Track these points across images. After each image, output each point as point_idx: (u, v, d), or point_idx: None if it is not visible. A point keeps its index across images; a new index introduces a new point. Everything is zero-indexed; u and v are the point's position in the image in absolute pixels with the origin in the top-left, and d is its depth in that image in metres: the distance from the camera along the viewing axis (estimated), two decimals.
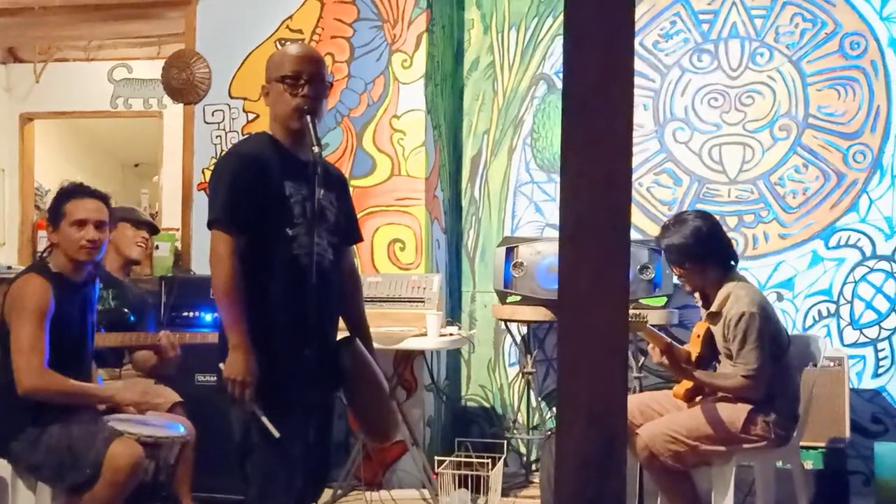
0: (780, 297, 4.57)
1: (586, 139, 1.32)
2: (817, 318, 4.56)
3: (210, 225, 2.50)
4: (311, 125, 2.49)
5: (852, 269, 4.53)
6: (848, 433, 4.01)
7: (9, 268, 4.82)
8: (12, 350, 2.92)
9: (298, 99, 2.52)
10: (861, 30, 4.55)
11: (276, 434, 2.40)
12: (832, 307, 4.54)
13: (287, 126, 2.55)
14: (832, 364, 4.03)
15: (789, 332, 3.62)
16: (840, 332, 4.53)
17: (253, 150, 2.55)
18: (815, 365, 3.52)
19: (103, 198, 3.18)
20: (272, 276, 2.48)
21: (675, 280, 3.69)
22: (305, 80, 2.54)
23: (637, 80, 4.53)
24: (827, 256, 4.56)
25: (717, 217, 3.61)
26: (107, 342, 3.54)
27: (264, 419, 2.42)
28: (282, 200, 2.48)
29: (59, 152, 8.21)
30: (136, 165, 8.86)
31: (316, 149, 2.45)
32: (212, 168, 4.77)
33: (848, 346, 4.49)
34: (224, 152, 2.67)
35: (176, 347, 3.59)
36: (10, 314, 2.96)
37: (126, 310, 3.73)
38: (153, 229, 4.15)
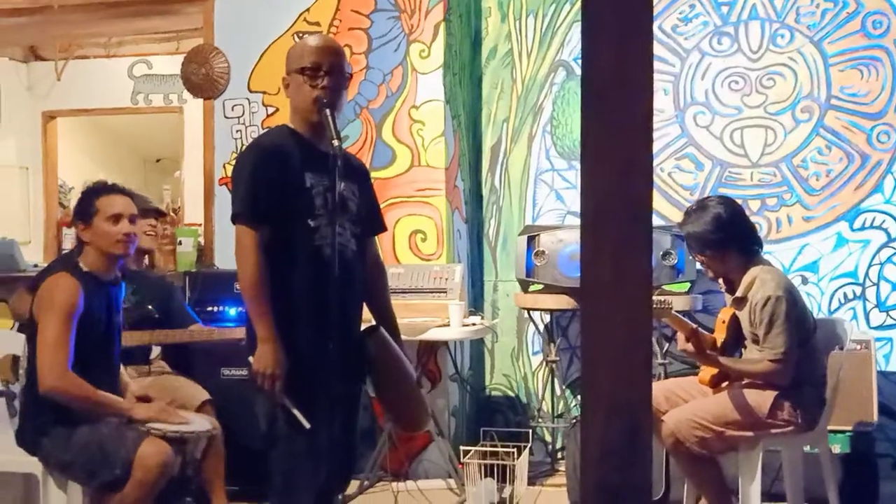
0: (804, 281, 4.53)
1: (605, 126, 1.32)
2: (843, 301, 4.52)
3: (234, 219, 2.52)
4: (330, 118, 2.50)
5: (878, 251, 4.49)
6: (876, 416, 3.97)
7: (35, 265, 4.87)
8: (38, 348, 2.95)
9: (318, 91, 2.53)
10: (883, 8, 4.49)
11: (307, 425, 2.42)
12: (858, 290, 4.50)
13: (307, 118, 2.56)
14: (859, 347, 3.99)
15: (815, 316, 3.59)
16: (866, 315, 4.49)
17: (273, 143, 2.57)
18: (842, 348, 3.49)
19: (130, 194, 3.22)
20: (295, 267, 2.50)
21: (699, 266, 3.67)
22: (325, 71, 2.55)
23: (656, 65, 4.52)
24: (852, 238, 4.51)
25: (740, 201, 3.58)
26: (134, 341, 3.56)
27: (294, 410, 2.44)
28: (303, 192, 2.50)
29: (81, 149, 8.28)
30: (158, 161, 8.91)
31: (336, 142, 2.46)
32: (233, 162, 4.80)
33: (874, 328, 4.45)
34: (245, 146, 2.68)
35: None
36: (39, 312, 2.99)
37: (149, 306, 3.75)
38: (159, 214, 4.17)
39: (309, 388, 2.47)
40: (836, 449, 3.86)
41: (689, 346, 3.25)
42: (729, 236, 3.31)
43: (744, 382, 3.31)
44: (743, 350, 3.40)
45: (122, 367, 3.31)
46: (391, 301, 2.84)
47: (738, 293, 3.31)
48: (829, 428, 3.53)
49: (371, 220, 2.75)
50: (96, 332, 3.06)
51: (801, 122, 4.58)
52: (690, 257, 4.12)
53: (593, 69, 1.33)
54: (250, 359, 2.45)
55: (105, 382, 3.08)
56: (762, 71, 4.63)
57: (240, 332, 3.61)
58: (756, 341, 3.26)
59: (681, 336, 3.28)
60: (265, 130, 3.01)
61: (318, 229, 2.50)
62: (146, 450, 2.89)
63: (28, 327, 3.05)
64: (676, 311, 3.49)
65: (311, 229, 2.50)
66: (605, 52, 1.33)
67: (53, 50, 7.38)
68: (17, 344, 3.25)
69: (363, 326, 2.73)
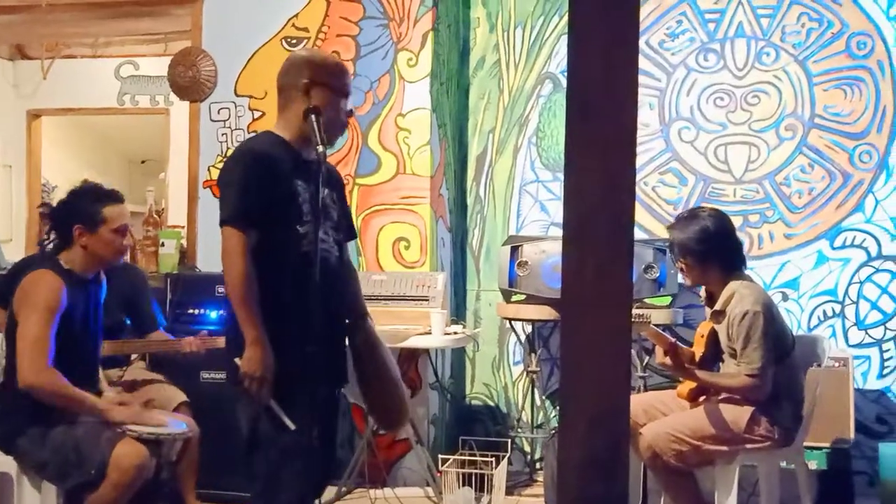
0: (785, 297, 4.56)
1: (589, 139, 1.33)
2: (822, 319, 4.55)
3: (223, 223, 2.52)
4: (315, 123, 2.51)
5: (858, 270, 4.52)
6: (853, 434, 4.00)
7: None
8: (17, 344, 2.93)
9: (343, 114, 2.63)
10: (868, 29, 4.54)
11: (293, 427, 2.43)
12: (837, 307, 4.54)
13: (300, 130, 2.57)
14: (837, 364, 4.02)
15: (794, 332, 3.62)
16: (845, 333, 4.52)
17: (264, 149, 2.57)
18: (820, 365, 3.52)
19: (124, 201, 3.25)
20: (283, 272, 2.51)
21: (680, 278, 3.69)
22: (347, 93, 2.65)
23: (643, 80, 4.56)
24: (832, 256, 4.55)
25: None
26: (105, 351, 3.50)
27: (281, 413, 2.44)
28: (292, 198, 2.51)
29: (66, 149, 8.23)
30: (143, 162, 8.87)
31: (321, 147, 2.47)
32: (219, 166, 4.79)
33: (853, 346, 4.48)
34: (234, 150, 2.68)
35: (199, 351, 3.61)
36: (20, 308, 2.97)
37: (121, 314, 3.68)
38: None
39: (293, 391, 2.47)
40: (813, 465, 3.88)
41: (667, 360, 3.27)
42: (712, 249, 3.33)
43: (721, 397, 3.32)
44: (721, 364, 3.42)
45: (101, 372, 3.29)
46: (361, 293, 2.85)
47: (717, 307, 3.33)
48: (806, 444, 3.56)
49: (346, 228, 2.80)
50: (77, 329, 3.05)
51: (785, 140, 4.62)
52: (673, 271, 4.14)
53: (578, 83, 1.34)
54: (237, 360, 2.45)
55: (85, 380, 3.07)
56: (747, 88, 4.66)
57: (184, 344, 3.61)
58: (734, 356, 3.28)
59: (659, 350, 3.30)
60: (251, 135, 3.00)
61: (306, 235, 2.52)
62: (122, 451, 2.88)
63: (8, 324, 3.03)
64: (657, 325, 3.51)
65: (300, 235, 2.51)
66: (591, 65, 1.34)
67: (40, 49, 7.33)
68: None
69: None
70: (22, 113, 7.46)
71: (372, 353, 2.69)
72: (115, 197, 3.19)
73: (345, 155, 4.62)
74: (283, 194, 2.50)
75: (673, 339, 3.30)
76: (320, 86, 2.59)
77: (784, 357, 3.29)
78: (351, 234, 2.85)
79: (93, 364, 3.19)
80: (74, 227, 3.09)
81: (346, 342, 2.71)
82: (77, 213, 3.13)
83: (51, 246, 3.19)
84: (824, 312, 4.55)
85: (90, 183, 3.31)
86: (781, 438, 3.26)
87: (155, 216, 5.26)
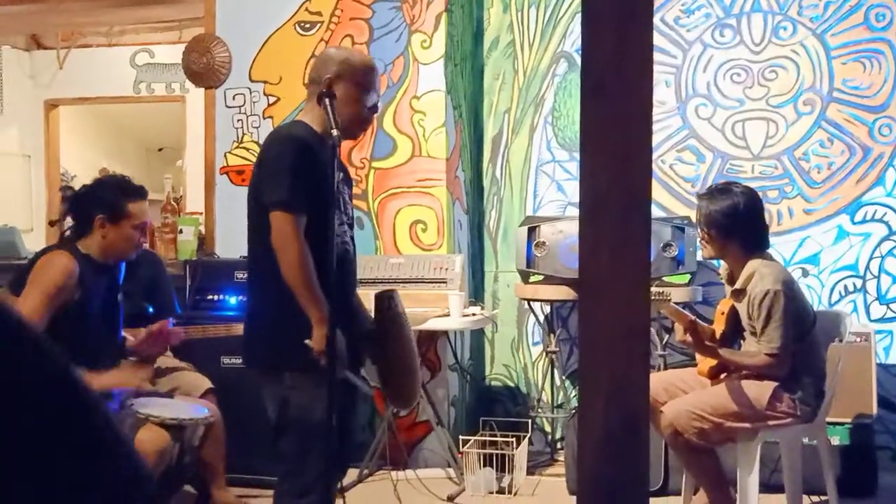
0: (805, 273, 4.53)
1: (604, 118, 1.32)
2: (843, 294, 4.52)
3: (275, 206, 2.51)
4: (330, 108, 2.51)
5: (879, 244, 4.49)
6: (875, 409, 3.98)
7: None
8: None
9: (364, 109, 2.66)
10: (886, 1, 4.48)
11: (370, 391, 2.51)
12: (858, 282, 4.51)
13: (348, 130, 2.62)
14: (859, 339, 4.00)
15: (815, 308, 3.60)
16: (867, 308, 4.49)
17: (304, 137, 2.61)
18: (842, 340, 3.50)
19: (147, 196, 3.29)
20: (316, 258, 2.53)
21: (699, 256, 3.67)
22: (368, 89, 2.68)
23: (658, 57, 4.52)
24: (853, 231, 4.51)
25: None
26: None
27: (356, 380, 2.51)
28: (326, 187, 2.52)
29: (83, 138, 8.27)
30: (160, 150, 8.91)
31: (335, 132, 2.48)
32: (235, 152, 4.80)
33: (875, 321, 4.45)
34: (275, 136, 2.68)
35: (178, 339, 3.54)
36: (28, 284, 2.98)
37: (142, 301, 3.70)
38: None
39: (320, 375, 2.49)
40: (836, 441, 3.87)
41: (688, 338, 3.26)
42: (738, 225, 3.32)
43: (742, 374, 3.31)
44: (742, 341, 3.41)
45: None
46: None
47: (738, 285, 3.31)
48: (829, 420, 3.54)
49: (352, 224, 2.85)
50: (95, 312, 3.07)
51: (803, 115, 4.57)
52: (691, 249, 4.13)
53: (592, 62, 1.34)
54: (308, 342, 2.46)
55: (104, 363, 3.09)
56: (764, 63, 4.62)
57: (227, 329, 3.62)
58: (754, 334, 3.26)
59: (678, 327, 3.29)
60: (287, 122, 3.00)
61: (332, 223, 2.54)
62: (143, 437, 2.90)
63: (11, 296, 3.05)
64: (676, 303, 3.50)
65: (330, 223, 2.52)
66: (605, 43, 1.33)
67: (56, 38, 7.37)
68: None
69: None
70: (39, 103, 7.51)
71: (400, 326, 2.73)
72: (141, 193, 3.22)
73: (360, 139, 4.61)
74: (320, 181, 2.53)
75: (693, 317, 3.29)
76: (341, 80, 2.63)
77: (805, 334, 3.28)
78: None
79: (114, 349, 3.21)
80: (97, 216, 3.10)
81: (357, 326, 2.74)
82: (101, 202, 3.14)
83: (68, 231, 3.20)
84: (845, 287, 4.52)
85: (118, 175, 3.33)
86: (804, 414, 3.25)
87: (173, 203, 5.29)
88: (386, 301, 2.68)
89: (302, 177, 2.52)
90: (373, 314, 2.72)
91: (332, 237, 2.49)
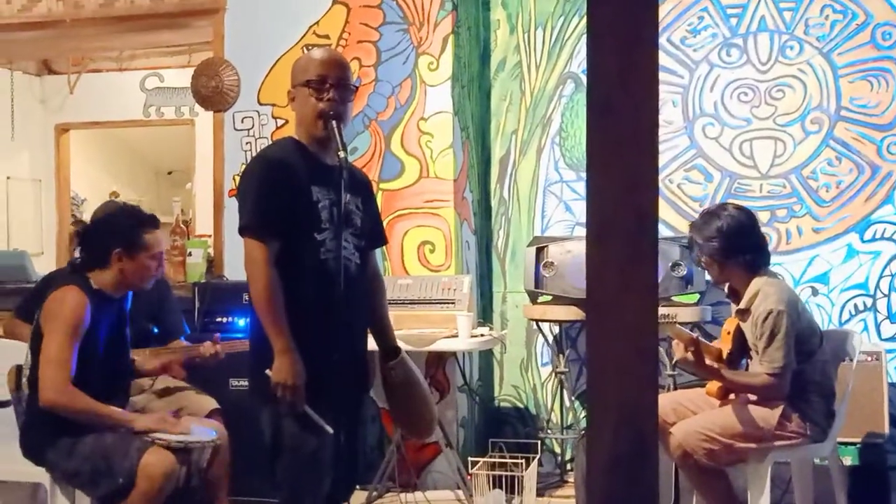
0: (815, 292, 4.52)
1: (610, 138, 1.32)
2: (854, 313, 4.50)
3: (242, 231, 2.52)
4: (336, 130, 2.51)
5: (888, 263, 4.47)
6: (887, 428, 3.95)
7: None
8: (41, 361, 2.95)
9: (323, 103, 2.54)
10: (893, 20, 4.48)
11: (330, 430, 2.44)
12: (868, 301, 4.48)
13: (312, 131, 2.57)
14: (869, 359, 3.98)
15: (825, 328, 3.58)
16: (877, 326, 4.47)
17: (279, 156, 2.57)
18: (852, 360, 3.48)
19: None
20: (301, 281, 2.50)
21: (707, 276, 3.66)
22: (330, 83, 2.55)
23: (665, 77, 4.54)
24: (862, 250, 4.50)
25: None
26: (144, 363, 3.52)
27: (317, 418, 2.45)
28: (309, 205, 2.50)
29: (94, 162, 8.33)
30: (170, 173, 8.96)
31: (342, 154, 2.47)
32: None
33: (885, 339, 4.43)
34: (253, 159, 2.68)
35: (220, 354, 3.62)
36: (45, 324, 3.00)
37: (147, 322, 3.71)
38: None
39: (314, 399, 2.47)
40: (847, 461, 3.84)
41: (689, 356, 3.23)
42: (732, 247, 3.30)
43: (751, 395, 3.30)
44: (748, 361, 3.39)
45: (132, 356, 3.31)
46: (389, 314, 2.83)
47: (742, 304, 3.30)
48: (840, 440, 3.52)
49: (374, 234, 2.76)
50: (104, 346, 3.07)
51: (811, 134, 4.57)
52: (700, 268, 4.12)
53: (597, 82, 1.34)
54: (268, 372, 2.45)
55: (115, 395, 3.09)
56: (771, 82, 4.63)
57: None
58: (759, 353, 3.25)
59: (678, 346, 3.26)
60: (271, 143, 3.00)
61: (324, 242, 2.51)
62: (150, 459, 2.90)
63: (33, 337, 3.06)
64: (685, 323, 3.49)
65: (318, 242, 2.50)
66: (610, 63, 1.34)
67: (66, 63, 7.44)
68: (24, 355, 3.25)
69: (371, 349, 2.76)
70: (50, 127, 7.57)
71: (409, 383, 2.70)
72: (154, 223, 3.20)
73: (368, 160, 4.64)
74: (299, 201, 2.49)
75: (695, 336, 3.27)
76: (296, 88, 2.61)
77: (812, 354, 3.26)
78: (377, 240, 2.81)
79: (122, 378, 3.21)
80: (114, 250, 3.08)
81: (366, 348, 2.71)
82: (117, 236, 3.11)
83: (79, 261, 3.19)
84: (855, 306, 4.50)
85: (129, 205, 3.33)
86: (814, 434, 3.23)
87: (182, 226, 5.31)
88: (390, 369, 2.66)
89: (271, 198, 2.48)
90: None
91: (314, 258, 2.46)
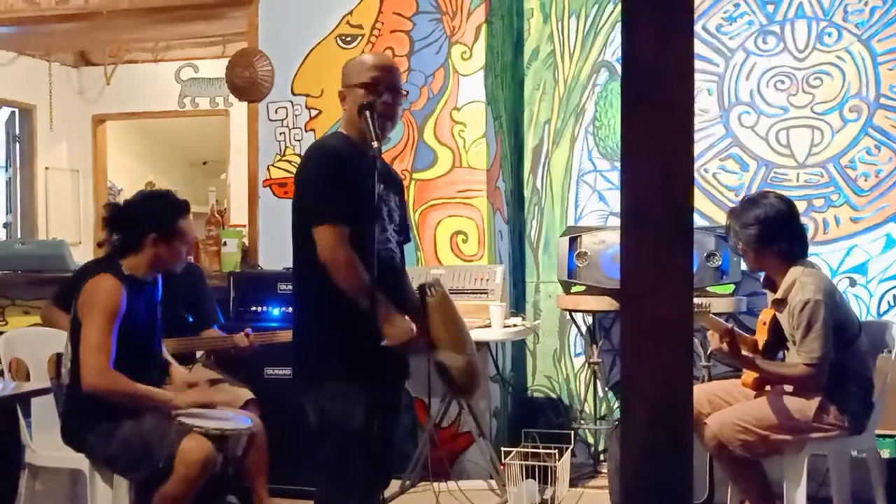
0: (853, 283, 4.46)
1: (644, 127, 1.31)
2: (892, 304, 4.44)
3: (318, 221, 2.53)
4: (370, 120, 2.53)
5: None
6: None
7: None
8: (81, 348, 3.01)
9: (378, 105, 2.60)
10: None
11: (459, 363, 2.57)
12: None
13: (362, 130, 2.60)
14: None
15: (863, 319, 3.54)
16: None
17: (342, 149, 2.63)
18: (891, 351, 3.43)
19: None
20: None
21: (742, 265, 3.63)
22: (383, 87, 2.63)
23: (700, 65, 4.49)
24: None
25: None
26: (177, 349, 3.59)
27: (441, 358, 2.57)
28: (366, 198, 2.53)
29: (130, 152, 8.42)
30: (205, 163, 9.03)
31: (375, 143, 2.50)
32: (278, 165, 4.85)
33: None
34: (313, 150, 2.70)
35: (252, 345, 3.67)
36: (83, 312, 3.05)
37: (182, 312, 3.75)
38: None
39: (361, 386, 2.50)
40: (886, 453, 3.79)
41: (724, 347, 3.20)
42: (770, 235, 3.26)
43: (787, 386, 3.26)
44: (786, 352, 3.35)
45: (164, 348, 3.36)
46: None
47: (779, 294, 3.26)
48: (878, 432, 3.48)
49: (404, 231, 2.83)
50: (139, 330, 3.12)
51: (850, 122, 4.51)
52: (735, 258, 4.08)
53: (632, 71, 1.33)
54: (384, 342, 2.48)
55: (149, 377, 3.14)
56: (809, 70, 4.56)
57: (283, 336, 3.65)
58: (795, 343, 3.21)
59: (713, 336, 3.23)
60: (326, 136, 3.00)
61: (376, 235, 2.54)
62: (189, 445, 2.93)
63: (72, 326, 3.11)
64: (720, 313, 3.46)
65: (371, 235, 2.53)
66: (645, 52, 1.33)
67: (103, 55, 7.52)
68: (64, 343, 3.31)
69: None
70: (87, 118, 7.66)
71: (448, 308, 2.74)
72: (187, 209, 3.30)
73: (401, 150, 4.64)
74: (359, 193, 2.53)
75: (730, 326, 3.24)
76: (349, 89, 2.67)
77: (849, 344, 3.22)
78: (407, 237, 2.88)
79: (156, 364, 3.26)
80: (149, 235, 3.15)
81: None
82: (153, 221, 3.18)
83: (113, 247, 3.24)
84: (894, 297, 4.44)
85: (164, 191, 3.39)
86: (851, 426, 3.19)
87: (217, 216, 5.35)
88: (424, 291, 2.69)
89: (341, 188, 2.54)
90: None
91: (373, 248, 2.50)
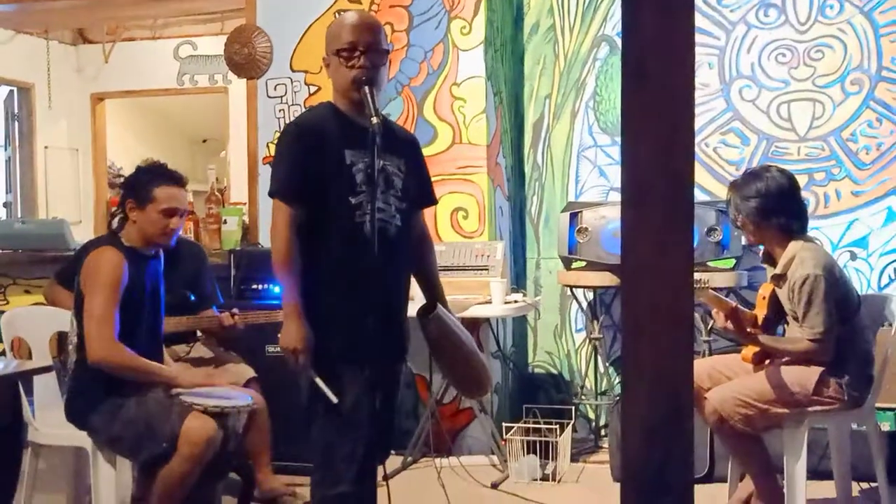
0: (853, 257, 4.46)
1: (645, 102, 1.30)
2: (893, 277, 4.44)
3: (271, 195, 2.55)
4: (369, 95, 2.50)
5: None
6: None
7: None
8: (84, 320, 3.01)
9: (356, 70, 2.53)
10: None
11: (335, 400, 2.45)
12: None
13: (348, 97, 2.57)
14: None
15: (864, 292, 3.54)
16: None
17: (311, 121, 2.59)
18: (891, 325, 3.43)
19: (185, 183, 3.27)
20: (336, 244, 2.51)
21: (743, 239, 3.63)
22: (362, 50, 2.54)
23: (700, 38, 4.47)
24: None
25: None
26: (167, 327, 3.58)
27: (322, 385, 2.46)
28: (342, 169, 2.50)
29: (129, 130, 8.39)
30: (204, 141, 9.01)
31: (375, 119, 2.46)
32: (276, 141, 4.84)
33: None
34: (287, 124, 2.69)
35: (236, 325, 3.66)
36: (86, 286, 3.05)
37: (184, 290, 3.75)
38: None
39: (347, 365, 2.49)
40: (886, 426, 3.81)
41: (729, 325, 3.21)
42: (770, 210, 3.25)
43: (787, 360, 3.27)
44: (785, 327, 3.36)
45: (164, 349, 3.36)
46: (438, 274, 2.84)
47: (778, 270, 3.25)
48: (878, 405, 3.49)
49: (420, 194, 2.75)
50: (140, 303, 3.12)
51: (851, 95, 4.49)
52: (736, 233, 4.08)
53: (632, 45, 1.32)
54: (280, 336, 2.49)
55: (151, 351, 3.14)
56: (810, 43, 4.54)
57: (276, 315, 3.65)
58: (797, 319, 3.21)
59: (718, 314, 3.24)
60: (308, 108, 2.99)
61: (360, 206, 2.51)
62: (192, 424, 2.94)
63: (76, 302, 3.11)
64: (720, 288, 3.46)
65: (352, 206, 2.50)
66: (645, 25, 1.32)
67: (101, 32, 7.47)
68: (65, 322, 3.31)
69: (416, 304, 2.75)
70: (86, 96, 7.63)
71: (447, 340, 2.70)
72: (171, 178, 3.20)
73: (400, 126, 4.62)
74: (331, 165, 2.49)
75: (734, 304, 3.24)
76: (329, 56, 2.60)
77: (850, 318, 3.22)
78: (424, 200, 2.79)
79: (156, 339, 3.26)
80: (127, 200, 3.17)
81: (405, 313, 2.71)
82: (132, 187, 3.21)
83: (115, 223, 3.25)
84: (895, 270, 4.44)
85: (155, 161, 3.36)
86: (851, 400, 3.20)
87: (217, 194, 5.34)
88: (425, 324, 2.66)
89: (300, 164, 2.50)
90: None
91: (353, 220, 2.47)
